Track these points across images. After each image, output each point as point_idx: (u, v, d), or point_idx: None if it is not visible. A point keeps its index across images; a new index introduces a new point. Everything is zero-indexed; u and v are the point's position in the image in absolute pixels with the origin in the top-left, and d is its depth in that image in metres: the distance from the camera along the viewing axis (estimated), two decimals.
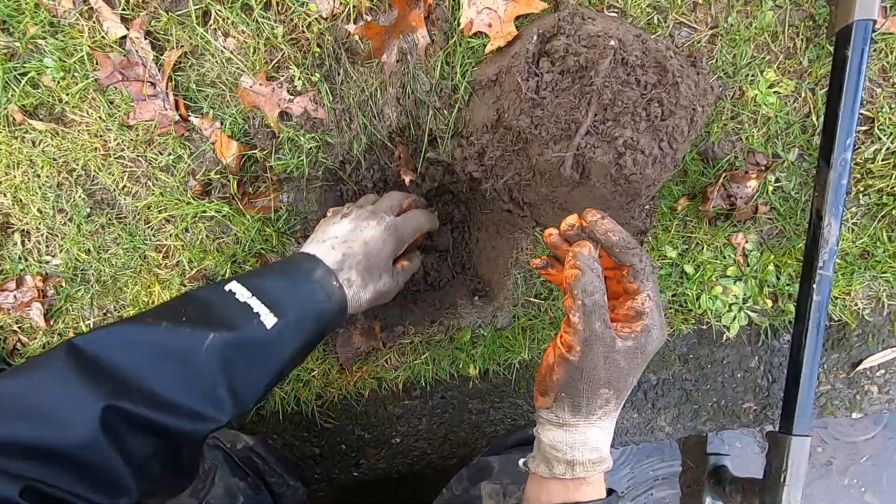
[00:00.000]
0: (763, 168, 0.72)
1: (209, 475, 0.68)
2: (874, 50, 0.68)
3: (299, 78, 0.71)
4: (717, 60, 0.69)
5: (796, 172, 0.72)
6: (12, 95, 0.72)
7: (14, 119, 0.73)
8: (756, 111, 0.71)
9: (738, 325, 0.76)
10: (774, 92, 0.70)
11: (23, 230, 0.79)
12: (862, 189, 0.72)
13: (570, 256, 0.43)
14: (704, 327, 0.77)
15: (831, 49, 0.67)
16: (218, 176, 0.74)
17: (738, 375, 0.80)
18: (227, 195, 0.75)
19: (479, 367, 0.80)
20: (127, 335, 0.43)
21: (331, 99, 0.73)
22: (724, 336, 0.77)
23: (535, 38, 0.62)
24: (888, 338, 0.76)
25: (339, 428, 0.85)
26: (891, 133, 0.70)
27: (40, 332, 0.82)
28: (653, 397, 0.81)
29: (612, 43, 0.57)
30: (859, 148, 0.71)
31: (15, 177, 0.75)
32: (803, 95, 0.70)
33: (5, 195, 0.76)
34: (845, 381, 0.79)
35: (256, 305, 0.48)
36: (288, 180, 0.76)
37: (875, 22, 0.60)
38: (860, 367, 0.78)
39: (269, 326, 0.47)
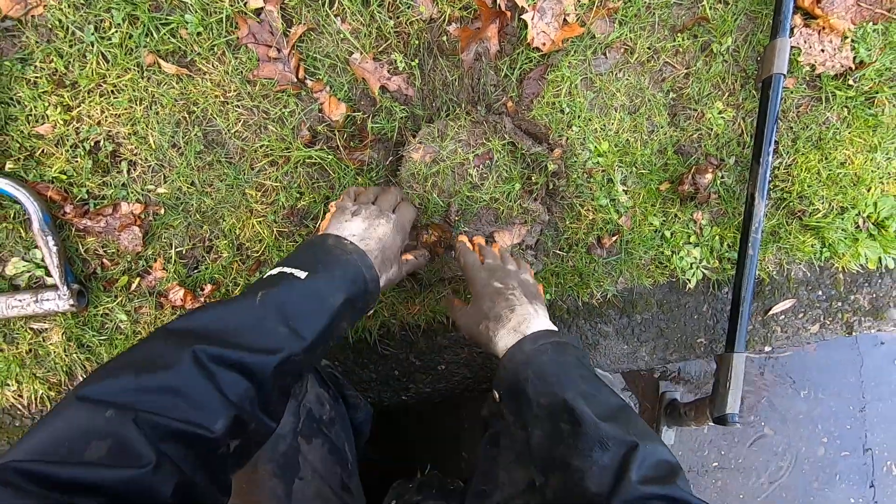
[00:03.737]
0: (715, 167, 1.04)
1: (304, 382, 0.80)
2: None
3: (401, 62, 0.90)
4: (690, 91, 1.01)
5: (734, 172, 1.05)
6: (150, 40, 0.83)
7: (145, 62, 0.83)
8: (710, 128, 1.03)
9: (696, 279, 1.06)
10: (722, 117, 1.03)
11: (130, 160, 0.86)
12: (772, 188, 1.07)
13: None
14: (674, 280, 1.06)
15: (756, 93, 1.02)
16: (325, 129, 0.90)
17: (695, 317, 1.09)
18: (332, 146, 0.90)
19: None
20: (205, 313, 0.56)
21: (420, 81, 0.93)
22: (687, 287, 1.06)
23: None
24: (786, 291, 1.10)
25: (394, 356, 0.99)
26: (788, 153, 1.06)
27: (126, 258, 0.88)
28: (637, 333, 1.07)
29: None
30: None
31: (136, 111, 0.84)
32: (738, 122, 1.04)
33: (123, 125, 0.84)
34: (761, 323, 1.12)
35: (288, 269, 0.62)
36: (380, 140, 0.93)
37: (785, 76, 0.96)
38: (770, 313, 1.11)
39: (302, 278, 0.61)
